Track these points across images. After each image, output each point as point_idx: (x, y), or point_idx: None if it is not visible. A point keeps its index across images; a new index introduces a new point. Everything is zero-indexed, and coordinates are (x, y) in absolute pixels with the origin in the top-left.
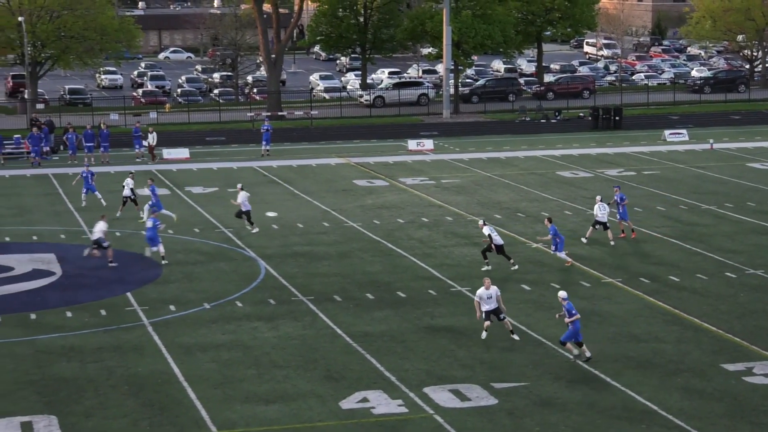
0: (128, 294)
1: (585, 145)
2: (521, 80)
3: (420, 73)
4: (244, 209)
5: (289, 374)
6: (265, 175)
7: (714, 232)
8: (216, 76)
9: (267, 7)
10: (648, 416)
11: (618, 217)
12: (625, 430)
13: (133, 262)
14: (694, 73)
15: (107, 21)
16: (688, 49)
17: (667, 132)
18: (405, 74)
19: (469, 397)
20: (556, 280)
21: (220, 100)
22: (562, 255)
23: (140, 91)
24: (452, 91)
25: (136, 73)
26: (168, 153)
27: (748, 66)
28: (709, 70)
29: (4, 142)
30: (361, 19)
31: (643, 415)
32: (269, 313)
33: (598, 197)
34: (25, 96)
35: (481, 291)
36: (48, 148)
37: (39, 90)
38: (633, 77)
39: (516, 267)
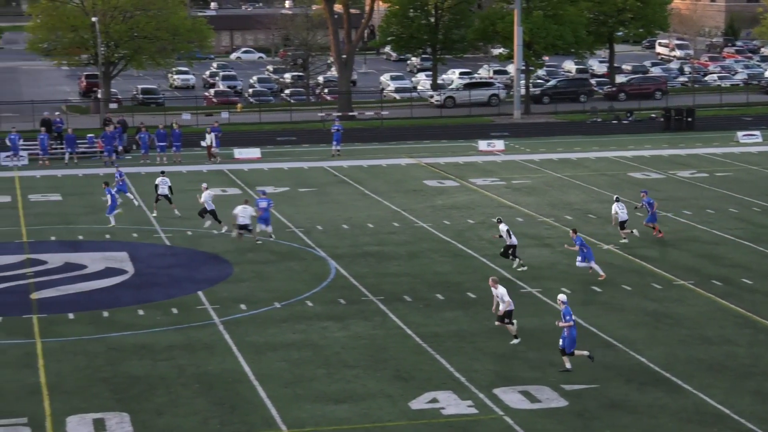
0: (199, 293)
1: (657, 147)
2: (593, 81)
3: (491, 74)
4: (208, 208)
5: (358, 374)
6: (336, 175)
7: None
8: (287, 76)
9: (338, 7)
10: (719, 419)
11: (645, 220)
12: None
13: (204, 261)
14: (767, 74)
15: (179, 21)
16: (762, 49)
17: (740, 133)
18: (476, 75)
19: (539, 399)
20: (627, 282)
21: (291, 101)
22: (595, 266)
23: (212, 91)
24: (523, 91)
25: (208, 73)
26: (239, 153)
27: None
28: None
29: (78, 141)
30: (432, 20)
31: (714, 419)
32: (339, 312)
33: (615, 197)
34: (99, 96)
35: (492, 290)
36: (121, 148)
37: (112, 90)
38: (705, 78)
39: (525, 268)
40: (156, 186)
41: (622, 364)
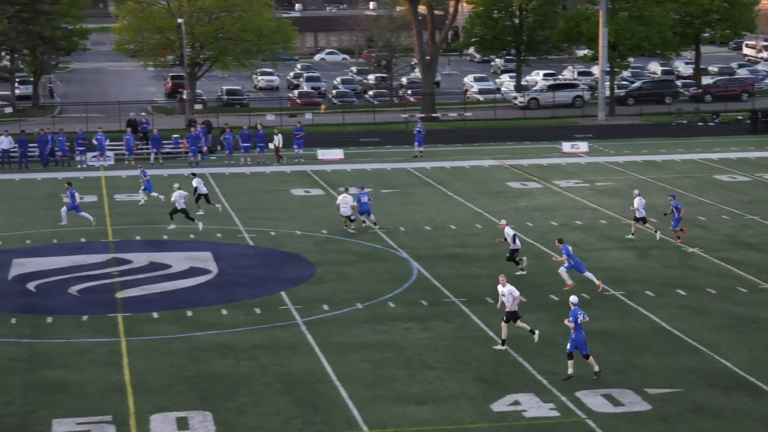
0: (282, 293)
1: (743, 149)
2: (678, 82)
3: (575, 75)
4: (178, 207)
5: (440, 375)
6: (419, 176)
7: None
8: (371, 77)
9: (422, 8)
10: None
11: (672, 225)
12: None
13: (287, 261)
14: None
15: (264, 23)
16: None
17: None
18: (560, 76)
19: (622, 402)
20: (712, 285)
21: (375, 102)
22: (589, 274)
23: (296, 92)
24: (608, 93)
25: (292, 74)
26: (322, 154)
27: None
28: None
29: (163, 141)
30: (516, 21)
31: None
32: (421, 314)
33: (636, 191)
34: (184, 97)
35: (499, 287)
36: (206, 148)
37: (197, 91)
38: None
39: (524, 272)
40: (195, 188)
41: (706, 368)
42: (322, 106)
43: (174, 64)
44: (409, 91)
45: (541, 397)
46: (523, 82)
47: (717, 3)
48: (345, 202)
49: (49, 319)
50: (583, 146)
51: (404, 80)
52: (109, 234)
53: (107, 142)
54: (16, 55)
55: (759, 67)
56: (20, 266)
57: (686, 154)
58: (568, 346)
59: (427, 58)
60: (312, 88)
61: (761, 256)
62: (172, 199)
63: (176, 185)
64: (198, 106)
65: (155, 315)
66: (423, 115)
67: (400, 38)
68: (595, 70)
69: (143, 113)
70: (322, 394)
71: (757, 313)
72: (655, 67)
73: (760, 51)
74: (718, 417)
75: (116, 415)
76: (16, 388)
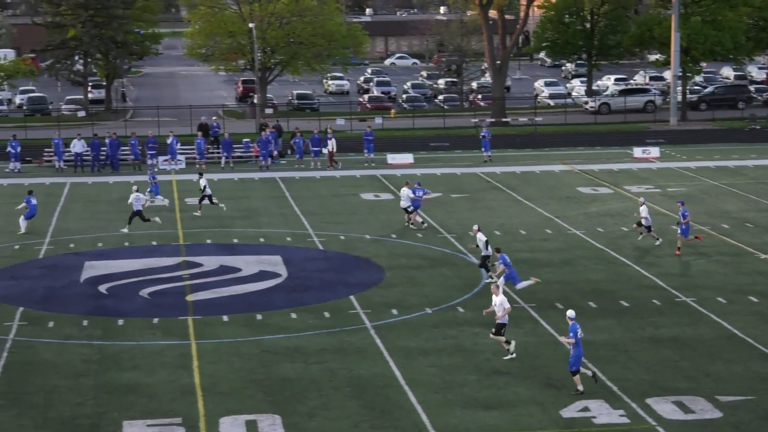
0: (351, 297)
1: None
2: (751, 87)
3: (647, 80)
4: (135, 209)
5: (509, 381)
6: (489, 181)
7: None
8: (441, 82)
9: (493, 13)
10: None
11: (683, 233)
12: None
13: (356, 265)
14: None
15: (335, 27)
16: None
17: None
18: (631, 81)
19: (693, 410)
20: None
21: (445, 106)
22: (523, 285)
23: (366, 96)
24: (680, 98)
25: (362, 78)
26: (392, 158)
27: None
28: None
29: (234, 145)
30: (588, 25)
31: None
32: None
33: (641, 199)
34: (255, 101)
35: (493, 298)
36: (276, 152)
37: (268, 95)
38: None
39: (494, 281)
40: (204, 187)
41: None
42: (393, 111)
43: (245, 68)
44: (480, 96)
45: (610, 403)
46: (594, 87)
47: None
48: (405, 195)
49: (121, 322)
50: (654, 151)
51: (474, 85)
52: (180, 237)
53: (178, 146)
54: (89, 60)
55: None
56: (92, 269)
57: (759, 159)
58: (573, 365)
59: (498, 62)
60: (382, 93)
61: None
62: (129, 201)
63: (135, 188)
64: (269, 110)
65: (225, 318)
66: (493, 119)
67: (471, 43)
68: (667, 74)
69: (214, 117)
70: (390, 398)
71: None
72: (727, 72)
73: None
74: None
75: (186, 417)
76: (88, 389)
